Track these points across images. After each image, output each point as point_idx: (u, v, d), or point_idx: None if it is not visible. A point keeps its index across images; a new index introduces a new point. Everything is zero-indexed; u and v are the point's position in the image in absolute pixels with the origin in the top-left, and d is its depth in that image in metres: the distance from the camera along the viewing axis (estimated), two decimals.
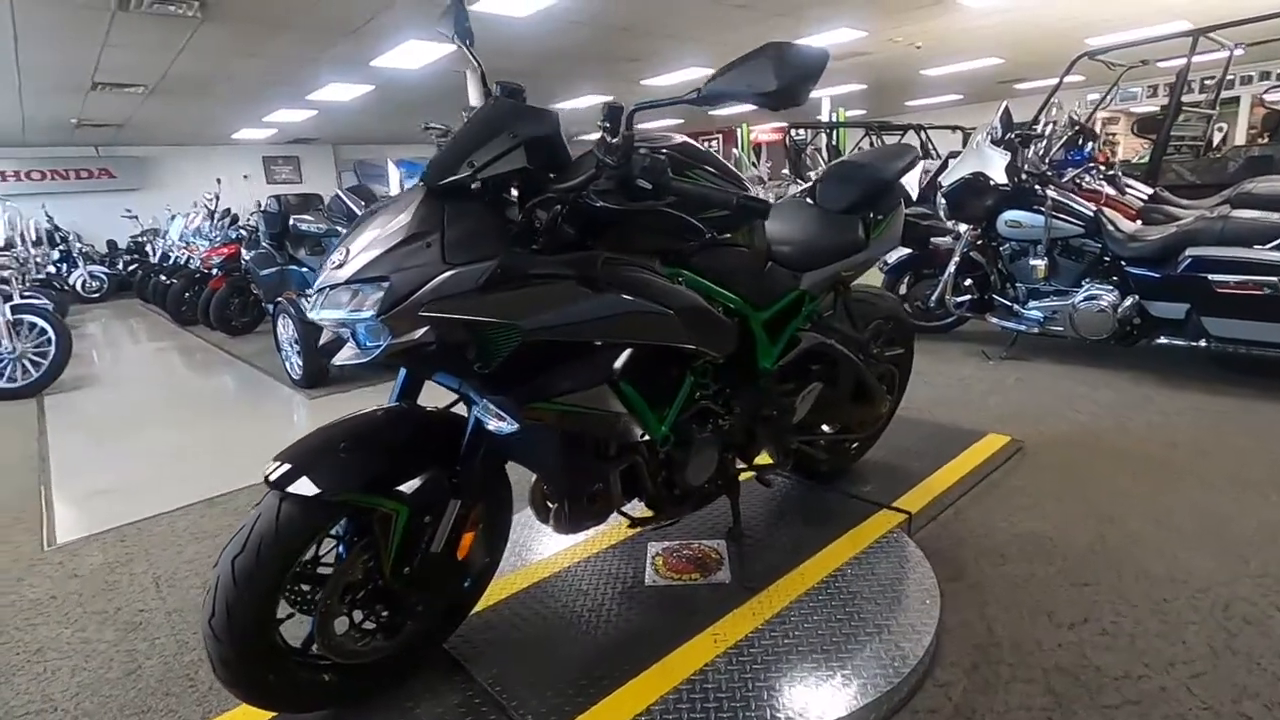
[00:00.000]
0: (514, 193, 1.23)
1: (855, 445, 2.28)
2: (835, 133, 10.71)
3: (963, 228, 3.95)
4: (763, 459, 1.83)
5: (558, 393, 1.19)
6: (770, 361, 1.70)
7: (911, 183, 5.89)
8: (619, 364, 1.27)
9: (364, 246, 1.11)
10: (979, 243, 3.96)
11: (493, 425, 1.20)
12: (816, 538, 1.89)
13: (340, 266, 1.12)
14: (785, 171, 9.21)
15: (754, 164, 11.47)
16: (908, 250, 4.43)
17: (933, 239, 3.90)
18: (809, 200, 1.92)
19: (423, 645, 1.43)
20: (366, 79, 9.28)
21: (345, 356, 1.14)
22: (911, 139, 8.82)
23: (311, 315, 1.15)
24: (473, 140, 1.17)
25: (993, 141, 3.81)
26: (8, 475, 3.18)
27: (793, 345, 1.80)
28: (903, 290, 4.60)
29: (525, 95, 1.29)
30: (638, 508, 1.56)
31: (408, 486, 1.25)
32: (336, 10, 6.27)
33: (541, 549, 1.95)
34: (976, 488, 2.29)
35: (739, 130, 12.32)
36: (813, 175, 8.24)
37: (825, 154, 9.63)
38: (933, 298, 4.32)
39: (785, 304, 1.71)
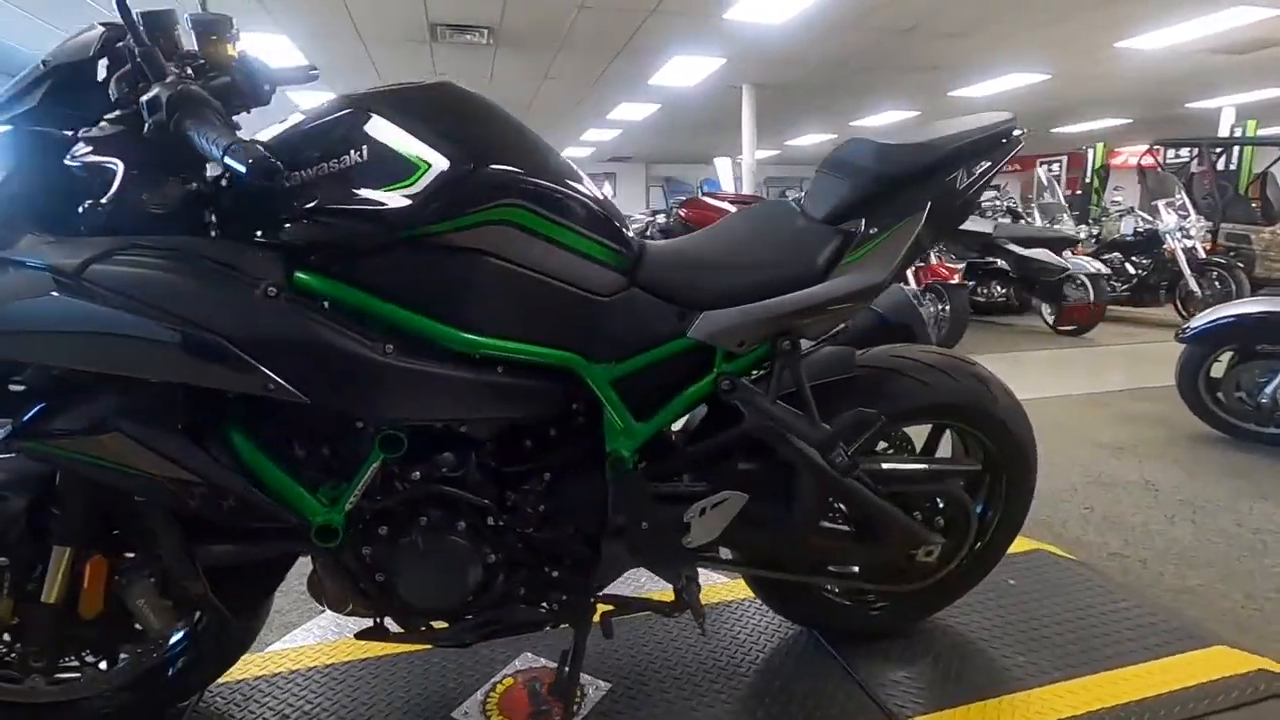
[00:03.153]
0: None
1: (890, 603, 1.43)
2: (1234, 153, 7.95)
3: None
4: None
5: (50, 432, 0.83)
6: (631, 445, 1.08)
7: None
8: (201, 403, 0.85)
9: None
10: None
11: None
12: None
13: None
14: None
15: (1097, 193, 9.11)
16: (1236, 314, 2.91)
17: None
18: (798, 204, 1.21)
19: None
20: (651, 97, 9.69)
21: None
22: None
23: None
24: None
25: None
26: None
27: (707, 425, 1.15)
28: (1217, 372, 3.04)
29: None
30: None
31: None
32: (602, 29, 6.56)
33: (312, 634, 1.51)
34: None
35: (1091, 152, 9.89)
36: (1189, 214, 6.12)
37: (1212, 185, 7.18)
38: (1269, 389, 2.79)
39: (659, 357, 1.07)
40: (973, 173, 1.06)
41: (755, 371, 1.14)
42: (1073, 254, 5.69)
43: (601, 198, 1.05)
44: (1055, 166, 14.55)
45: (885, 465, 1.24)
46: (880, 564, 1.31)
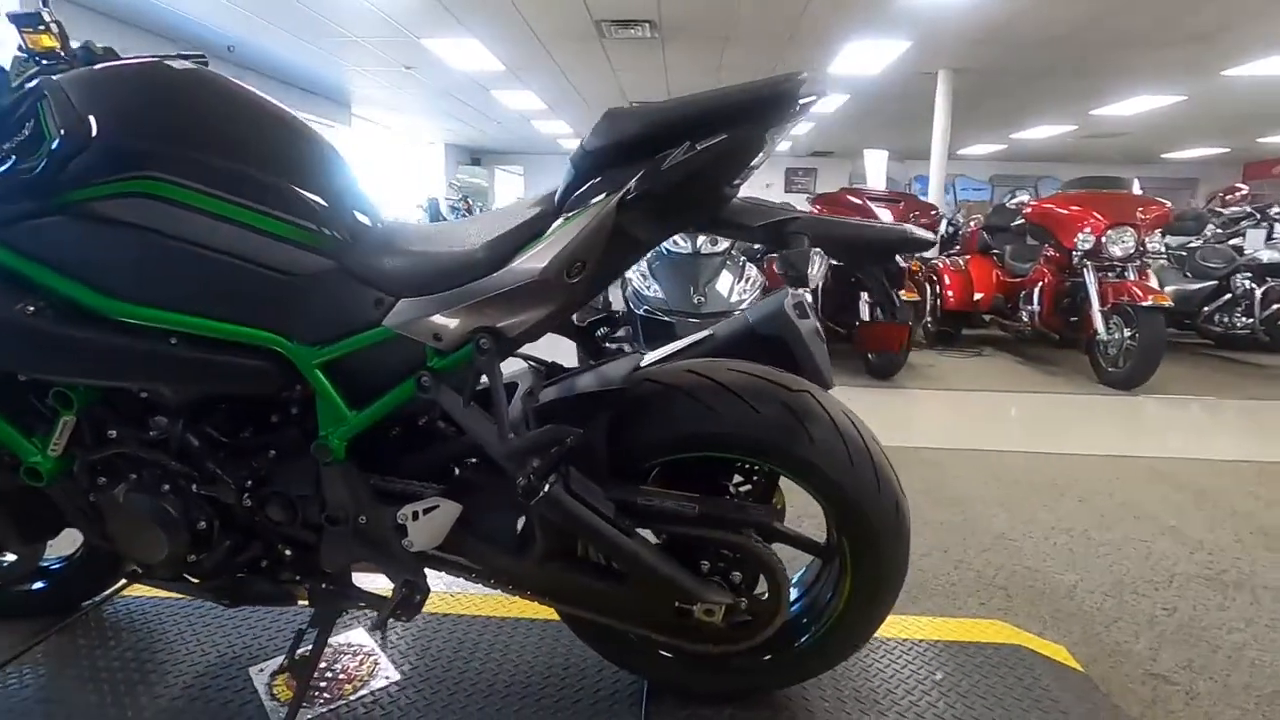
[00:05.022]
0: None
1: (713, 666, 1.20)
2: None
3: None
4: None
5: None
6: (341, 433, 1.03)
7: None
8: None
9: None
10: None
11: None
12: None
13: None
14: None
15: None
16: None
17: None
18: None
19: None
20: (839, 87, 9.10)
21: None
22: None
23: None
24: None
25: None
26: None
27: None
28: None
29: None
30: None
31: None
32: (764, 18, 6.29)
33: None
34: None
35: None
36: None
37: None
38: None
39: (366, 344, 1.00)
40: (699, 147, 0.83)
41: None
42: None
43: (329, 181, 1.02)
44: None
45: (651, 500, 1.04)
46: (645, 611, 1.10)
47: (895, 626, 1.54)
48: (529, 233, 0.93)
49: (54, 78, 0.97)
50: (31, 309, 0.92)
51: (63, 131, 0.92)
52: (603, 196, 0.87)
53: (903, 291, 4.35)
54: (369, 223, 1.04)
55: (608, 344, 1.29)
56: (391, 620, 1.08)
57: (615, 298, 4.41)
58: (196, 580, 1.15)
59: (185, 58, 1.13)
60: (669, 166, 0.83)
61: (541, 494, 0.92)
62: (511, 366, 1.22)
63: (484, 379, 0.96)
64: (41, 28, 1.11)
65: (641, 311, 4.41)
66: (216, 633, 1.44)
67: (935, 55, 7.38)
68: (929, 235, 0.98)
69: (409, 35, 7.09)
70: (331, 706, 1.25)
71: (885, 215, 4.79)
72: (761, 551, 1.05)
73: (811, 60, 7.69)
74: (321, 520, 1.07)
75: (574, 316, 1.26)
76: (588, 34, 6.90)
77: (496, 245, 0.94)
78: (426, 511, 1.04)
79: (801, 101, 0.88)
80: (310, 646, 1.16)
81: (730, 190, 0.93)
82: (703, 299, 4.30)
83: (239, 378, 1.01)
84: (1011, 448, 3.08)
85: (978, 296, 5.52)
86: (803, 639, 1.16)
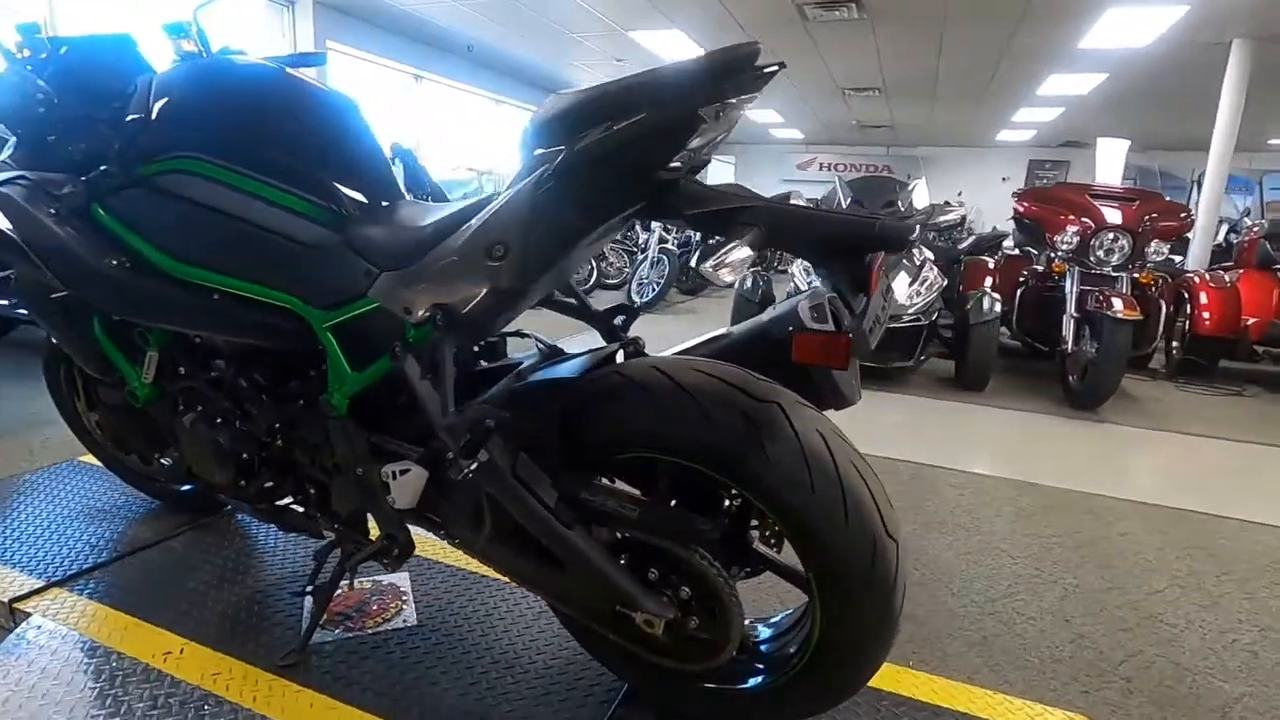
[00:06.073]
0: None
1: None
2: None
3: None
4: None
5: None
6: (343, 391, 1.13)
7: None
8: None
9: None
10: None
11: None
12: None
13: None
14: None
15: None
16: None
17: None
18: None
19: None
20: (1091, 65, 7.78)
21: None
22: None
23: None
24: None
25: None
26: None
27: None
28: None
29: None
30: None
31: None
32: None
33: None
34: None
35: None
36: None
37: None
38: None
39: (364, 312, 1.08)
40: (615, 128, 0.75)
41: None
42: None
43: (340, 161, 1.14)
44: None
45: (596, 496, 1.00)
46: (586, 606, 1.06)
47: (955, 695, 1.33)
48: (474, 211, 0.93)
49: (155, 74, 1.18)
50: (115, 262, 1.14)
51: (136, 116, 1.11)
52: (524, 180, 0.84)
53: (1090, 304, 3.65)
54: (364, 199, 1.12)
55: (624, 333, 1.26)
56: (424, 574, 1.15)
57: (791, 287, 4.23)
58: (247, 503, 1.35)
59: (305, 56, 1.31)
60: (581, 148, 0.78)
61: (466, 471, 0.93)
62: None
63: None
64: (185, 36, 1.35)
65: None
66: (304, 556, 1.67)
67: (1225, 19, 5.99)
68: (906, 230, 0.81)
69: (617, 29, 7.41)
70: (349, 634, 1.38)
71: (1114, 216, 4.04)
72: (705, 569, 0.96)
73: (1058, 36, 6.67)
74: (330, 467, 1.19)
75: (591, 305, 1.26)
76: (789, 18, 6.67)
77: (442, 224, 0.96)
78: (402, 473, 1.10)
79: (762, 73, 0.77)
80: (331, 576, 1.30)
81: (667, 173, 0.84)
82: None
83: (266, 332, 1.16)
84: (1230, 513, 2.43)
85: (1248, 321, 4.43)
86: (755, 681, 1.04)
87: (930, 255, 4.39)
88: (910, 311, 4.01)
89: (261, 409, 1.23)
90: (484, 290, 0.91)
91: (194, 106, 1.13)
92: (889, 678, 1.37)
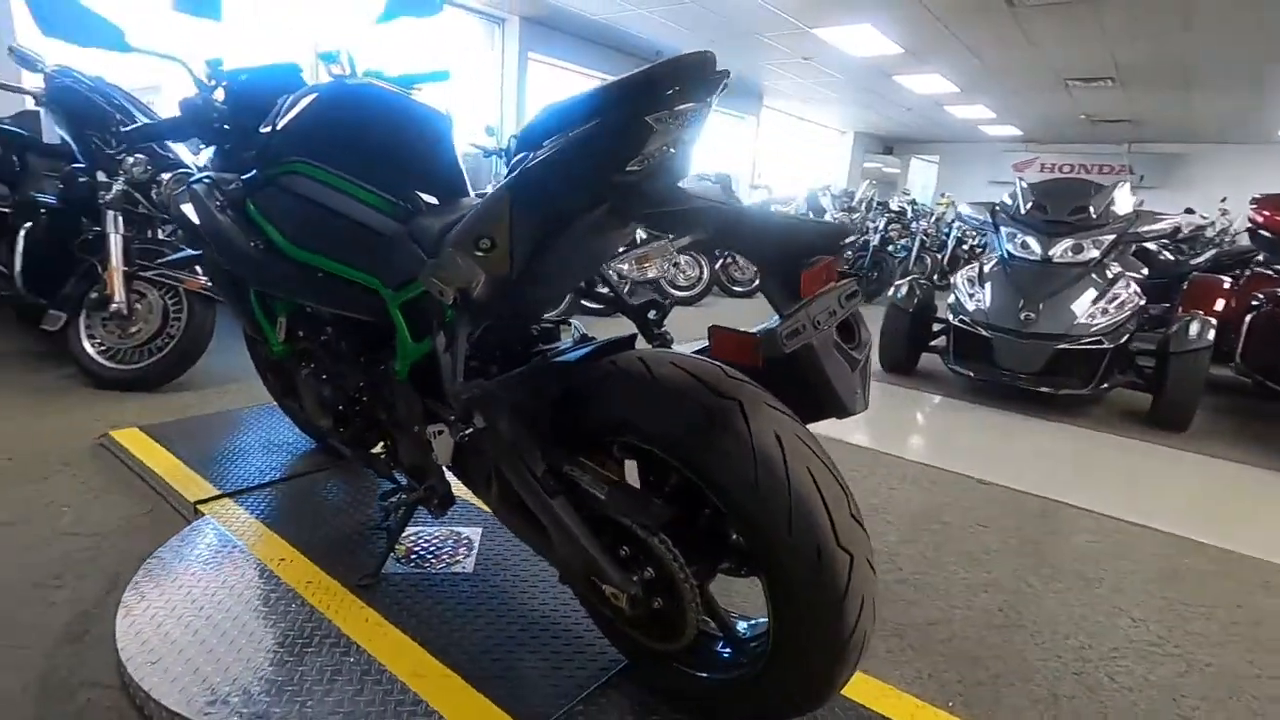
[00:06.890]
0: None
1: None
2: None
3: None
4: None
5: None
6: (405, 359, 1.33)
7: None
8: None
9: None
10: None
11: None
12: None
13: None
14: None
15: None
16: None
17: None
18: None
19: None
20: None
21: None
22: None
23: None
24: None
25: None
26: None
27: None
28: None
29: None
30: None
31: None
32: None
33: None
34: None
35: None
36: None
37: None
38: None
39: (419, 293, 1.26)
40: (569, 135, 0.82)
41: None
42: None
43: (413, 165, 1.37)
44: None
45: (574, 473, 1.09)
46: (569, 572, 1.14)
47: None
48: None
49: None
50: (254, 244, 1.45)
51: (270, 128, 1.40)
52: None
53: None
54: (435, 199, 1.31)
55: (656, 327, 1.33)
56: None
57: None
58: (346, 447, 1.62)
59: (430, 74, 1.57)
60: (540, 152, 0.88)
61: (463, 434, 1.08)
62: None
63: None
64: (335, 62, 1.65)
65: (956, 321, 3.89)
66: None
67: None
68: (836, 234, 0.77)
69: (800, 27, 7.27)
70: (416, 570, 1.61)
71: None
72: (660, 552, 1.01)
73: None
74: (396, 423, 1.41)
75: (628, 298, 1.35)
76: (993, 5, 6.08)
77: (463, 219, 1.11)
78: (439, 433, 1.28)
79: (711, 79, 0.81)
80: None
81: (626, 177, 0.90)
82: (1032, 315, 3.58)
83: (355, 305, 1.40)
84: None
85: None
86: (724, 672, 1.06)
87: (1120, 269, 3.82)
88: (1091, 332, 3.53)
89: (353, 370, 1.49)
90: (480, 278, 1.04)
91: (306, 120, 1.41)
92: (924, 713, 1.31)
